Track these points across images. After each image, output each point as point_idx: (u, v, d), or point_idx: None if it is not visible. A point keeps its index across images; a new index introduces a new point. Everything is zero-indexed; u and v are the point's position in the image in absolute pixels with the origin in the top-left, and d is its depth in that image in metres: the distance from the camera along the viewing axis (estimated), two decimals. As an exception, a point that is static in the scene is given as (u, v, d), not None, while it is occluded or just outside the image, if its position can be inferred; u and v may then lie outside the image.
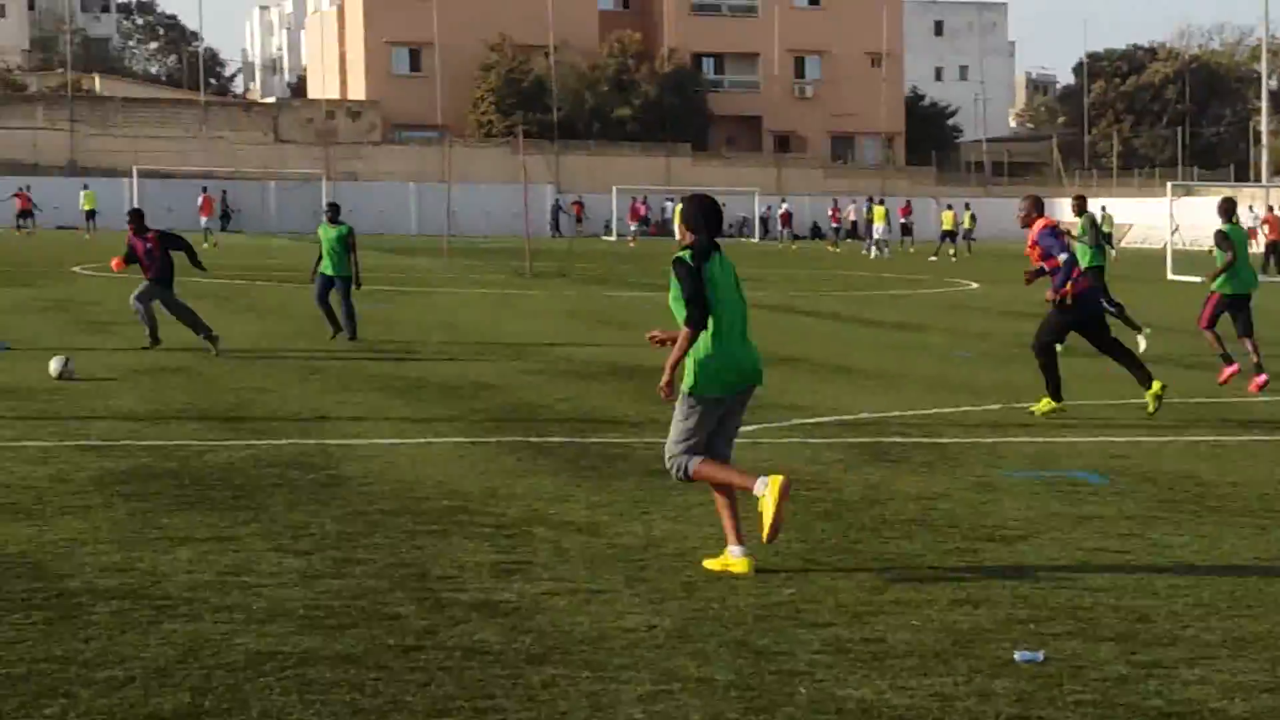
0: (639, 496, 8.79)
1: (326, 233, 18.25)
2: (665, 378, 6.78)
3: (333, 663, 5.29)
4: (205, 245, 49.34)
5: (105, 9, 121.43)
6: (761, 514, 6.49)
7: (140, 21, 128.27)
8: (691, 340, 6.58)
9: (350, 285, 18.29)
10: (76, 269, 33.02)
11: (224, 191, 69.31)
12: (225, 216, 68.63)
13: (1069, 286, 12.37)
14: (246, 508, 8.22)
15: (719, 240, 6.93)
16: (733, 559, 6.76)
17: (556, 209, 75.81)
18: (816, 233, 76.46)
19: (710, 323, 6.65)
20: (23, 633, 5.51)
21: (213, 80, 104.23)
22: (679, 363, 6.70)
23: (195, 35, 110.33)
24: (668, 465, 6.90)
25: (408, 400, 13.27)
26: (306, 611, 5.95)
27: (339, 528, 7.65)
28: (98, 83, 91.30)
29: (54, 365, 14.30)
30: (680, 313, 6.69)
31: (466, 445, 10.91)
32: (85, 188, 61.85)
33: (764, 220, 76.29)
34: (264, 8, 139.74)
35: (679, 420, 6.79)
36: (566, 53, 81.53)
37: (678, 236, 7.00)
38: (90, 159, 72.66)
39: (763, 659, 5.52)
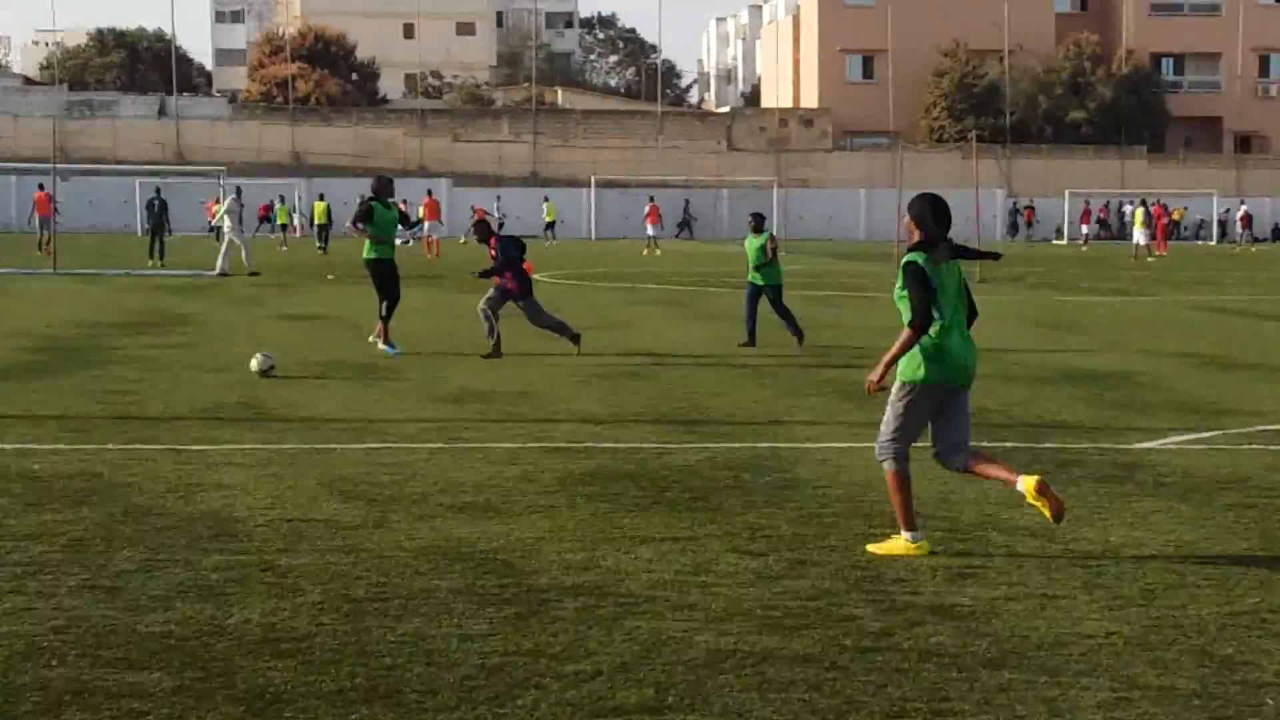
0: (1094, 502, 8.72)
1: (751, 243, 18.51)
2: (878, 373, 7.13)
3: (790, 662, 5.43)
4: (644, 252, 52.42)
5: (569, 25, 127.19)
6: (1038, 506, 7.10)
7: (601, 36, 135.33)
8: (912, 342, 6.88)
9: (780, 293, 18.48)
10: (535, 277, 34.28)
11: (686, 201, 73.16)
12: (684, 225, 72.45)
13: None
14: (703, 509, 8.51)
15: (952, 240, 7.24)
16: (910, 543, 7.20)
17: (1014, 212, 76.32)
18: (1278, 235, 75.24)
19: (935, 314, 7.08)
20: (495, 626, 5.90)
21: (669, 91, 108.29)
22: (894, 362, 7.01)
23: (653, 48, 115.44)
24: (877, 453, 7.39)
25: (859, 404, 13.17)
26: (764, 611, 6.12)
27: (794, 530, 7.83)
28: (560, 96, 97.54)
29: (256, 362, 14.50)
30: (904, 310, 6.95)
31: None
32: (546, 199, 65.59)
33: (1222, 223, 74.92)
34: (720, 20, 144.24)
35: (892, 405, 7.27)
36: (1021, 56, 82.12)
37: (908, 236, 7.24)
38: (551, 170, 77.34)
39: (1226, 669, 5.41)
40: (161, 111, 75.51)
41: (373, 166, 68.19)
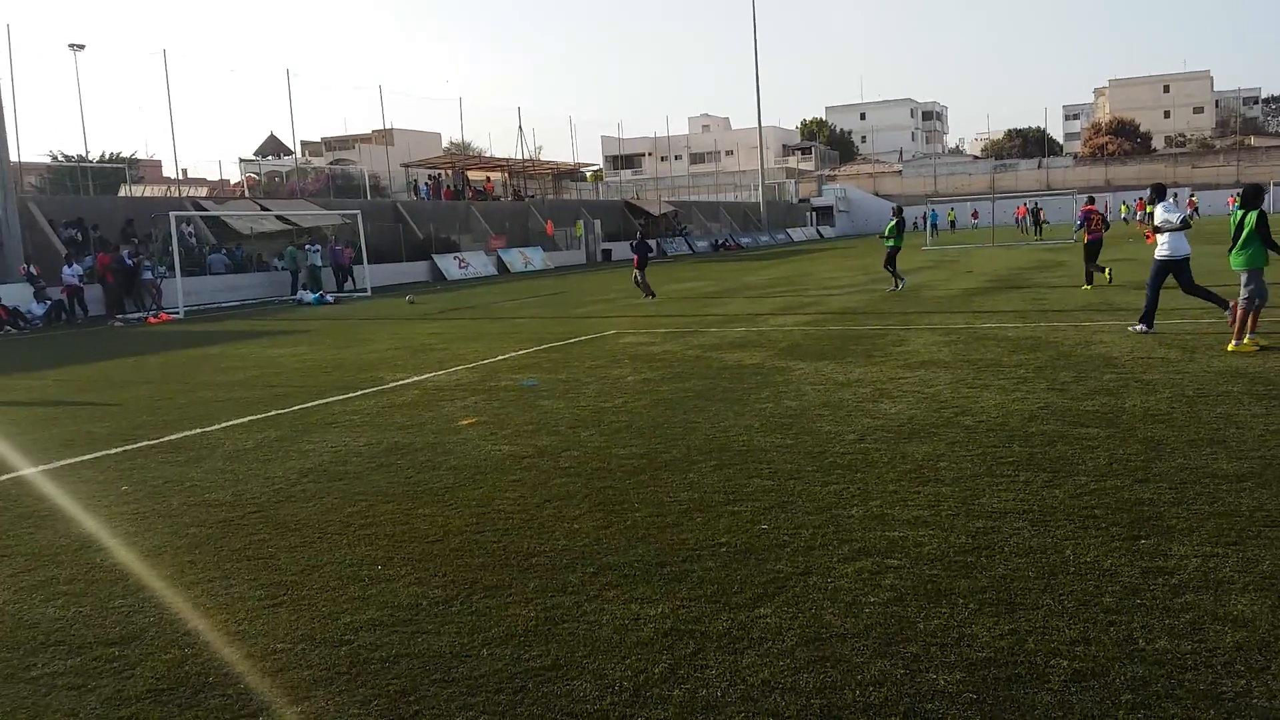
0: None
1: None
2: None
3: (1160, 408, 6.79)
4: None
5: (1256, 101, 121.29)
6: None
7: (1273, 106, 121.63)
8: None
9: None
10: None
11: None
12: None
13: None
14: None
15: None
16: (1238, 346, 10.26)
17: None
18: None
19: None
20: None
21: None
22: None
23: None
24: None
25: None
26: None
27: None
28: (1251, 140, 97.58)
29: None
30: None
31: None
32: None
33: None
34: None
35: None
36: None
37: None
38: (1246, 177, 75.31)
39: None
40: (1039, 165, 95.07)
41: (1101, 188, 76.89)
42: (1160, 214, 12.25)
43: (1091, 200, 20.88)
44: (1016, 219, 60.46)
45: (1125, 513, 5.35)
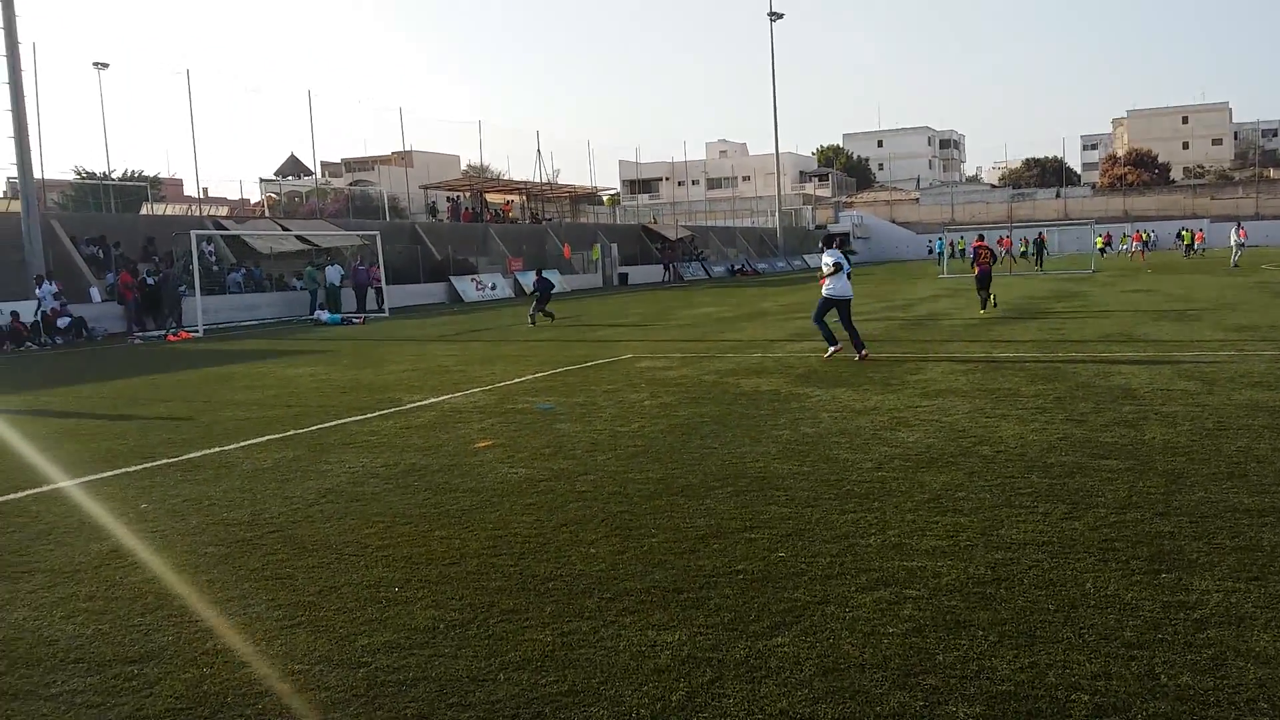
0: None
1: None
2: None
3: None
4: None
5: (1275, 134, 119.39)
6: None
7: None
8: None
9: None
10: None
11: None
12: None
13: None
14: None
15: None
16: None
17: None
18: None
19: None
20: None
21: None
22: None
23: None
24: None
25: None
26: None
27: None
28: (1271, 172, 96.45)
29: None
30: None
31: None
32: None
33: None
34: None
35: None
36: None
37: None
38: (1269, 210, 76.66)
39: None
40: (1057, 195, 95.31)
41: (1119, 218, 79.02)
42: (824, 261, 14.91)
43: (981, 237, 24.13)
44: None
45: (1145, 546, 5.32)
